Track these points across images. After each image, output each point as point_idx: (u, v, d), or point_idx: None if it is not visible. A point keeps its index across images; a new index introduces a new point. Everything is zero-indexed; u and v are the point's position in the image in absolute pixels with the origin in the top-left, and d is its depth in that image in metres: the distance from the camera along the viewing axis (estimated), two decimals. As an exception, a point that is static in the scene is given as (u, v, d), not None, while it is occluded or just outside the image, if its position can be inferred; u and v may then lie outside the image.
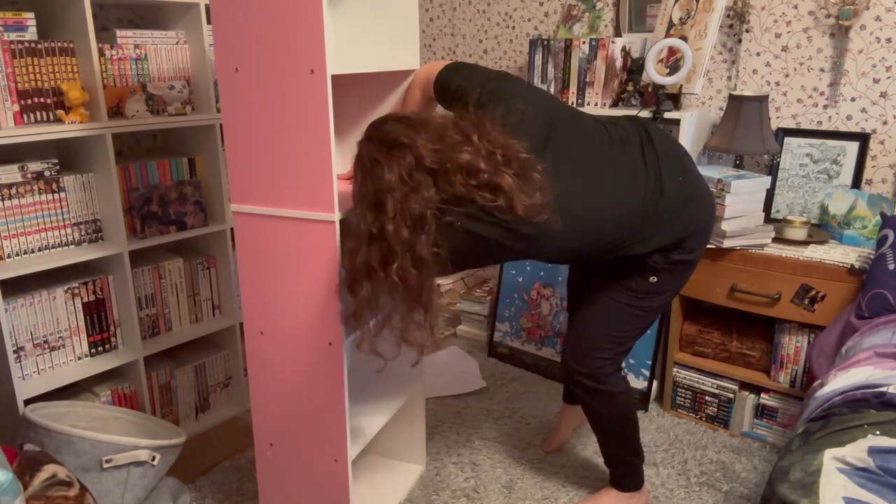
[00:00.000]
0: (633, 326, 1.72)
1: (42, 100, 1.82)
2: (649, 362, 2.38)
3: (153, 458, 1.70)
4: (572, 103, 2.51)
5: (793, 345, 2.08)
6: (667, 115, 2.22)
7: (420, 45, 1.74)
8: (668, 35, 2.32)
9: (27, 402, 1.81)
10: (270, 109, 1.40)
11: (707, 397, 2.28)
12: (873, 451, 1.19)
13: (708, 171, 2.13)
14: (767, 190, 2.12)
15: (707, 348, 2.27)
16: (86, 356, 2.00)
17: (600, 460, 2.10)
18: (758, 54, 2.35)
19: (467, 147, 1.35)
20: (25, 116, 1.80)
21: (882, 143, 2.18)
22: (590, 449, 2.17)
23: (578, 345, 1.75)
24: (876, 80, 2.16)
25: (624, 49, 2.40)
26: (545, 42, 2.55)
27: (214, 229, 2.21)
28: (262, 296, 1.55)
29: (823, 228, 2.21)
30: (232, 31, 1.39)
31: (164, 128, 2.06)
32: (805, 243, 2.11)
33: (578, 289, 1.96)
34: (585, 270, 1.92)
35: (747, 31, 2.35)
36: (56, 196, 1.89)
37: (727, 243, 2.07)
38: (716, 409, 2.27)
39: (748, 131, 2.17)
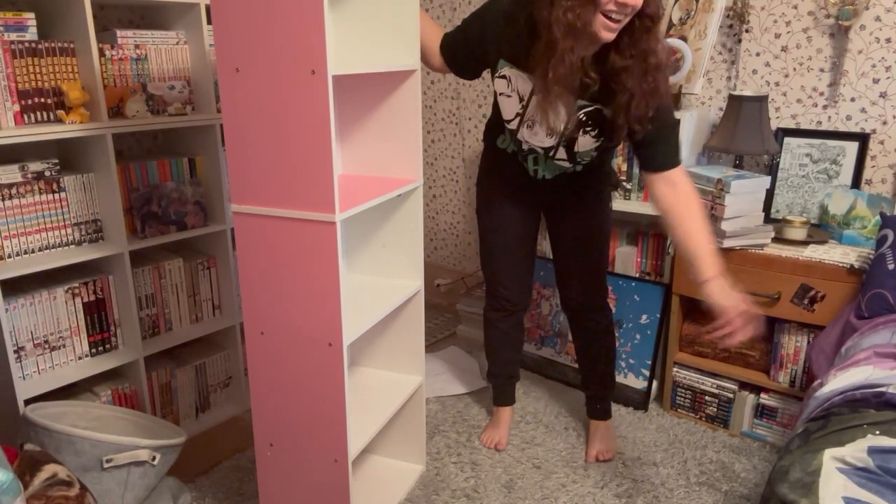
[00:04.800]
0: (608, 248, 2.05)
1: (42, 100, 1.82)
2: (649, 362, 2.38)
3: (153, 458, 1.70)
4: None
5: (792, 345, 2.08)
6: (667, 115, 2.22)
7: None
8: (667, 35, 2.32)
9: (27, 401, 1.81)
10: (271, 110, 1.40)
11: (707, 397, 2.28)
12: (873, 451, 1.19)
13: (708, 171, 2.13)
14: (767, 190, 2.12)
15: (707, 348, 2.28)
16: (86, 356, 2.00)
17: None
18: (757, 54, 2.35)
19: None
20: (26, 116, 1.80)
21: (882, 143, 2.18)
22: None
23: (596, 280, 2.04)
24: (876, 81, 2.16)
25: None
26: (545, 42, 2.54)
27: (214, 229, 2.21)
28: (262, 296, 1.55)
29: (823, 228, 2.21)
30: (233, 32, 1.39)
31: (165, 128, 2.06)
32: (805, 243, 2.11)
33: (530, 236, 2.08)
34: (542, 215, 2.08)
35: (747, 31, 2.35)
36: (56, 196, 1.89)
37: (727, 243, 2.08)
38: (715, 409, 2.27)
39: (748, 131, 2.17)
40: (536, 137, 1.77)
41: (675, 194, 1.68)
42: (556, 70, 1.52)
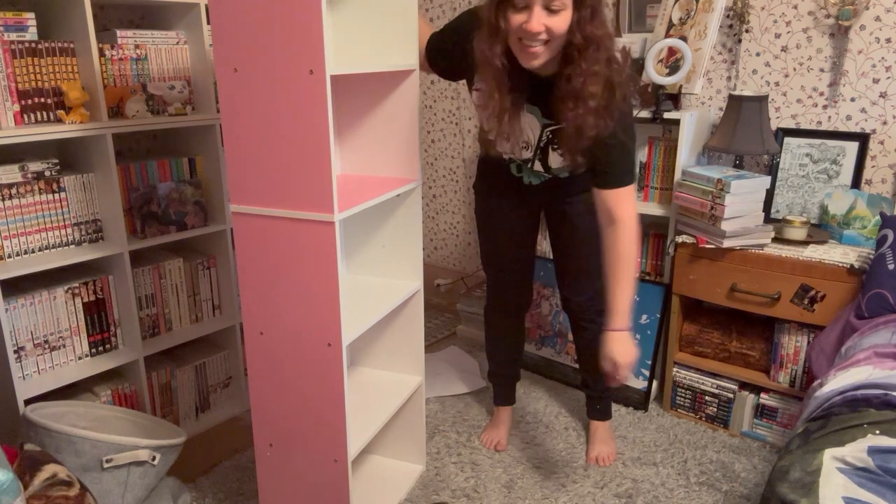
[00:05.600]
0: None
1: (42, 100, 1.82)
2: (649, 362, 2.38)
3: (153, 458, 1.70)
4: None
5: (792, 345, 2.08)
6: (666, 115, 2.22)
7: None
8: (667, 35, 2.32)
9: (27, 401, 1.81)
10: (270, 110, 1.40)
11: (707, 397, 2.28)
12: (873, 451, 1.19)
13: (708, 171, 2.13)
14: (767, 190, 2.12)
15: (707, 348, 2.27)
16: (86, 356, 2.01)
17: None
18: (757, 54, 2.35)
19: None
20: (26, 116, 1.80)
21: (882, 143, 2.18)
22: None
23: (597, 281, 1.95)
24: (876, 81, 2.16)
25: (624, 49, 2.40)
26: (545, 42, 2.54)
27: (214, 229, 2.21)
28: (261, 296, 1.55)
29: (823, 228, 2.21)
30: (231, 32, 1.39)
31: (165, 128, 2.06)
32: (805, 243, 2.11)
33: (529, 236, 2.06)
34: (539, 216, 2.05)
35: (747, 31, 2.35)
36: (56, 196, 1.89)
37: (727, 243, 2.07)
38: (716, 409, 2.27)
39: (748, 131, 2.17)
40: (513, 150, 1.79)
41: (617, 236, 1.69)
42: (494, 98, 1.58)
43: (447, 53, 1.76)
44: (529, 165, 1.82)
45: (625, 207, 1.67)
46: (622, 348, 1.65)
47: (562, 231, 1.99)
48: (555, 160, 1.76)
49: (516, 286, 2.09)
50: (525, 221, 2.01)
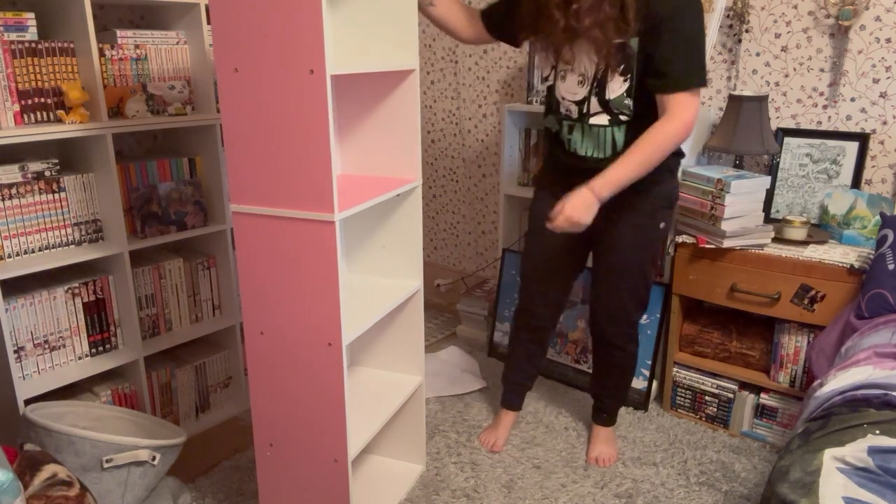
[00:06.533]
0: (651, 273, 1.93)
1: (42, 100, 1.82)
2: (649, 362, 2.38)
3: (153, 458, 1.70)
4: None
5: (792, 345, 2.08)
6: (667, 115, 2.22)
7: (420, 45, 1.75)
8: (667, 35, 2.32)
9: (27, 401, 1.81)
10: (270, 110, 1.40)
11: (707, 397, 2.28)
12: (873, 451, 1.19)
13: (708, 171, 2.13)
14: (767, 190, 2.12)
15: (707, 348, 2.27)
16: (86, 356, 2.01)
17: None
18: (757, 54, 2.35)
19: None
20: (26, 116, 1.80)
21: (882, 143, 2.18)
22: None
23: (627, 308, 1.94)
24: (876, 81, 2.16)
25: None
26: (545, 42, 2.54)
27: (214, 229, 2.21)
28: (262, 296, 1.55)
29: (823, 228, 2.21)
30: (231, 32, 1.39)
31: (165, 128, 2.06)
32: (805, 243, 2.11)
33: (573, 256, 2.00)
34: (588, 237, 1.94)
35: (747, 31, 2.35)
36: (56, 196, 1.89)
37: (727, 243, 2.07)
38: (716, 409, 2.27)
39: (748, 131, 2.17)
40: (570, 90, 1.77)
41: (656, 125, 1.62)
42: (550, 27, 1.66)
43: (507, 6, 1.82)
44: (586, 109, 1.73)
45: (681, 113, 1.57)
46: (576, 202, 1.65)
47: (608, 248, 1.89)
48: (613, 88, 1.67)
49: (548, 300, 2.03)
50: (573, 237, 1.88)
